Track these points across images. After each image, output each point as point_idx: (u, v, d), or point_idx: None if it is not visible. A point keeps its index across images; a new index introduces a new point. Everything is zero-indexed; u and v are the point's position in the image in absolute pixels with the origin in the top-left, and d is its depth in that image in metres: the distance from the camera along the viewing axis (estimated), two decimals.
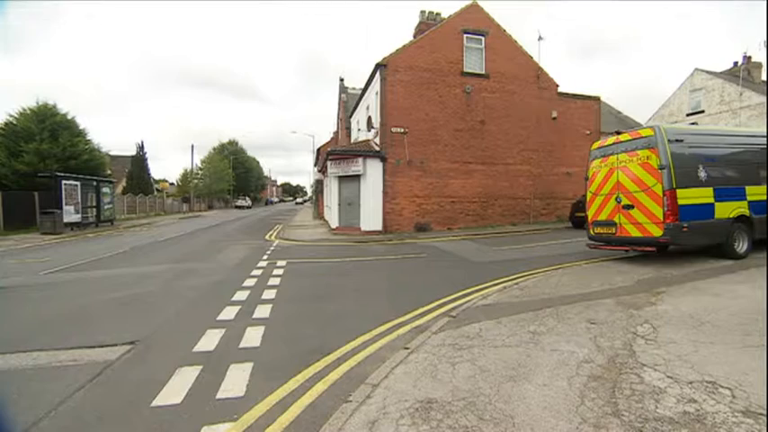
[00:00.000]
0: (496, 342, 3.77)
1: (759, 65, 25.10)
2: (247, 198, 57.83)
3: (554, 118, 17.48)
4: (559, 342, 3.65)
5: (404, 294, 6.19)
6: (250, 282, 7.21)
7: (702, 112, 24.76)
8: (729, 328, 3.77)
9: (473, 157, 16.30)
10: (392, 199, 15.26)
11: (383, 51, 25.05)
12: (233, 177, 52.60)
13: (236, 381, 3.36)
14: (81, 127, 23.82)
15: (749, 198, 7.29)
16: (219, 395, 3.13)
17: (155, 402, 3.03)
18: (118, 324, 5.03)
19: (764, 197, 7.45)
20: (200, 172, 47.94)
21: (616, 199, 7.43)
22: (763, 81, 24.94)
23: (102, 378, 3.49)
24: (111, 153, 31.49)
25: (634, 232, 7.16)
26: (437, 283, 6.80)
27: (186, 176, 44.68)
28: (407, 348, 3.77)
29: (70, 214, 17.87)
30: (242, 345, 4.19)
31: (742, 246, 7.18)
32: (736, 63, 25.27)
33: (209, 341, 4.27)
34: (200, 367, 3.61)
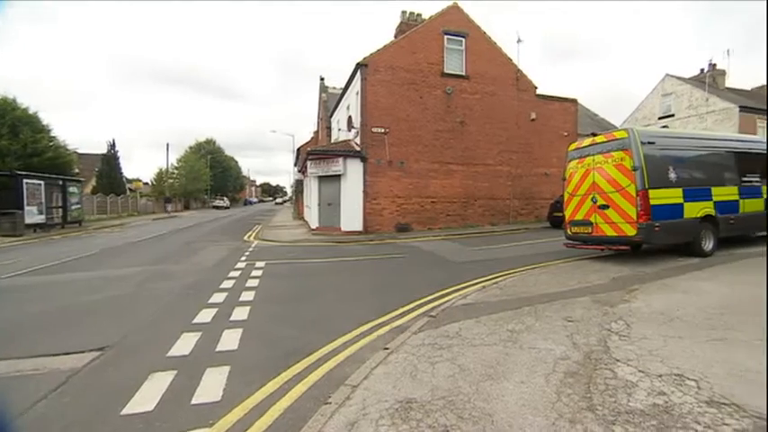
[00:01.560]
0: (476, 341, 3.80)
1: (723, 72, 26.35)
2: (225, 198, 56.57)
3: (533, 119, 17.80)
4: (537, 340, 3.71)
5: (384, 295, 6.18)
6: (228, 283, 7.06)
7: (673, 115, 25.80)
8: (696, 322, 3.93)
9: (453, 157, 16.44)
10: (373, 199, 15.24)
11: (364, 51, 25.03)
12: (210, 177, 51.40)
13: (212, 385, 3.28)
14: (44, 123, 22.79)
15: (715, 198, 7.58)
16: (194, 400, 3.04)
17: (125, 410, 2.91)
18: (85, 330, 4.82)
19: (728, 197, 7.76)
20: (175, 171, 46.60)
21: (592, 199, 7.59)
22: (727, 88, 26.18)
23: (66, 387, 3.32)
24: (80, 151, 30.14)
25: (609, 232, 7.33)
26: (417, 283, 6.82)
27: (161, 176, 43.31)
28: (387, 349, 3.76)
29: (33, 215, 17.04)
30: (219, 348, 4.10)
31: (708, 244, 7.45)
32: (702, 70, 26.45)
33: (185, 345, 4.15)
34: (175, 372, 3.50)
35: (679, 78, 26.43)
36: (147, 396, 3.10)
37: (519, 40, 17.60)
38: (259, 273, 8.04)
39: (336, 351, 3.99)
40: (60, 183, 19.52)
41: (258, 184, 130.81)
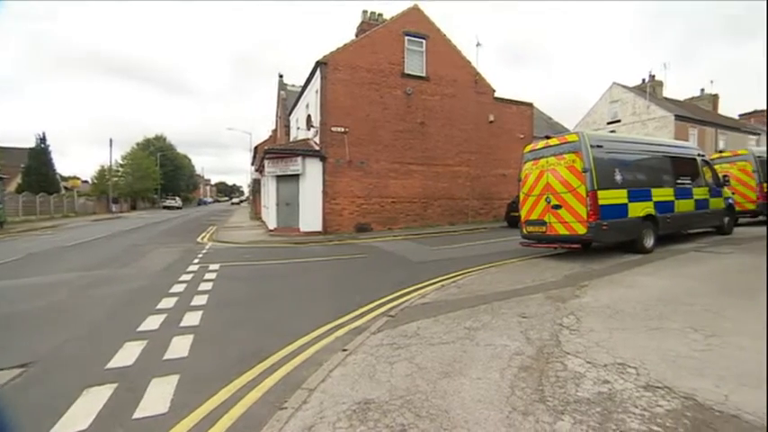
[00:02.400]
0: (433, 340, 3.83)
1: (661, 83, 28.69)
2: (177, 198, 53.61)
3: (491, 121, 18.35)
4: (493, 336, 3.80)
5: (343, 295, 6.11)
6: (178, 287, 6.68)
7: (619, 121, 27.79)
8: (637, 314, 4.19)
9: (413, 157, 16.61)
10: (332, 199, 15.07)
11: (323, 50, 24.57)
12: (160, 176, 48.56)
13: (158, 396, 3.07)
14: None
15: (654, 199, 8.09)
16: (137, 414, 2.83)
17: None
18: (7, 344, 4.34)
19: (665, 198, 8.32)
20: (120, 169, 43.52)
21: (546, 199, 7.87)
22: (665, 98, 28.52)
23: None
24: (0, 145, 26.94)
25: (562, 231, 7.63)
26: (377, 284, 6.79)
27: (103, 174, 40.19)
28: (346, 350, 3.70)
29: None
30: (167, 356, 3.86)
31: (649, 241, 7.92)
32: (644, 80, 28.64)
33: (127, 355, 3.86)
34: (115, 385, 3.24)
35: (624, 87, 28.53)
36: (80, 414, 2.84)
37: (478, 44, 18.11)
38: (213, 276, 7.68)
39: (293, 354, 3.89)
40: None
41: (213, 183, 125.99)
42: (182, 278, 7.42)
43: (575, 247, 7.97)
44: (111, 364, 3.68)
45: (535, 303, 4.86)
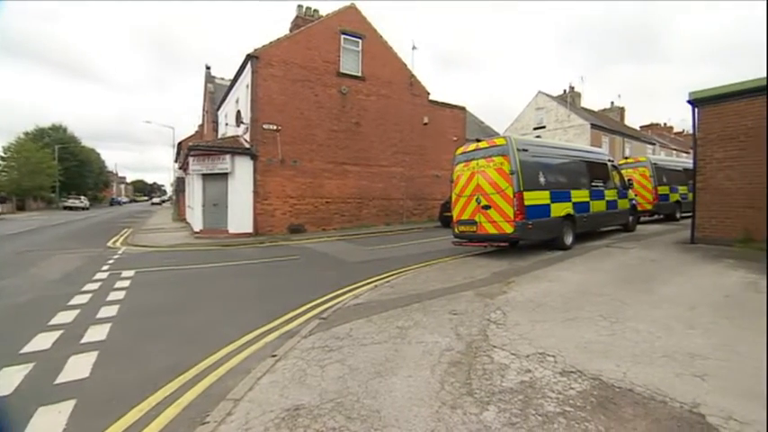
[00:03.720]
0: (366, 340, 3.79)
1: (579, 94, 31.81)
2: (83, 197, 47.25)
3: (425, 123, 18.84)
4: (425, 334, 3.85)
5: (274, 299, 5.84)
6: (81, 299, 5.90)
7: (544, 127, 30.28)
8: (557, 306, 4.53)
9: (348, 157, 16.50)
10: (263, 199, 14.43)
11: (255, 42, 23.36)
12: (60, 171, 42.54)
13: (44, 428, 2.65)
14: None
15: (573, 200, 8.80)
16: None
17: None
18: None
19: (582, 199, 9.06)
20: (1, 162, 37.24)
21: (476, 200, 8.19)
22: (582, 107, 31.70)
23: None
24: None
25: (491, 230, 7.98)
26: (310, 285, 6.61)
27: None
28: (275, 356, 3.53)
29: None
30: (60, 380, 3.35)
31: (569, 239, 8.57)
32: (565, 90, 31.57)
33: (3, 384, 3.26)
34: None
35: (548, 96, 31.24)
36: None
37: (414, 47, 18.51)
38: (126, 284, 6.90)
39: (219, 363, 3.63)
40: None
41: (129, 181, 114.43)
42: (86, 288, 6.56)
43: (503, 245, 8.39)
44: None
45: (465, 300, 5.03)
